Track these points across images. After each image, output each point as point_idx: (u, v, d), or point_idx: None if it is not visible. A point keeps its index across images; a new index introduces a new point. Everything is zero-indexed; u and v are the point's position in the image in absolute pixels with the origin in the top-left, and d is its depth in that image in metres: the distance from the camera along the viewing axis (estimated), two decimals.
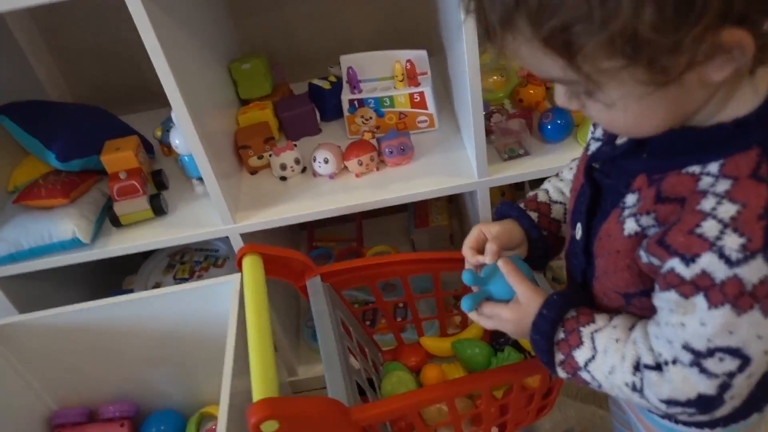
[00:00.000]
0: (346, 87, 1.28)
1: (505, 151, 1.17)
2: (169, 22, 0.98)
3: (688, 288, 0.51)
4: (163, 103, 1.00)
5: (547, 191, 0.81)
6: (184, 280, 1.44)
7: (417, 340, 1.12)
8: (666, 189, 0.54)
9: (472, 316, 0.73)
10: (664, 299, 0.54)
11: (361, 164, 1.18)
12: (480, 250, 0.76)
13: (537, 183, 0.88)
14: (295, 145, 1.23)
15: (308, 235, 1.72)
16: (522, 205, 0.80)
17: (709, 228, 0.49)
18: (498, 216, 0.82)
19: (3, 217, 1.20)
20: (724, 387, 0.54)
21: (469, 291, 0.75)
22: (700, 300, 0.51)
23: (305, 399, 0.75)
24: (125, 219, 1.18)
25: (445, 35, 1.21)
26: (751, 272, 0.48)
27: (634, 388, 0.59)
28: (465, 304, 0.72)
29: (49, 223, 1.14)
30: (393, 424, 0.98)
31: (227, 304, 1.05)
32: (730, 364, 0.52)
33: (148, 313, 1.12)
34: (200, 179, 1.23)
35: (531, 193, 0.82)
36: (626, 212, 0.58)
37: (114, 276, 1.54)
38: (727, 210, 0.49)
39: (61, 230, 1.14)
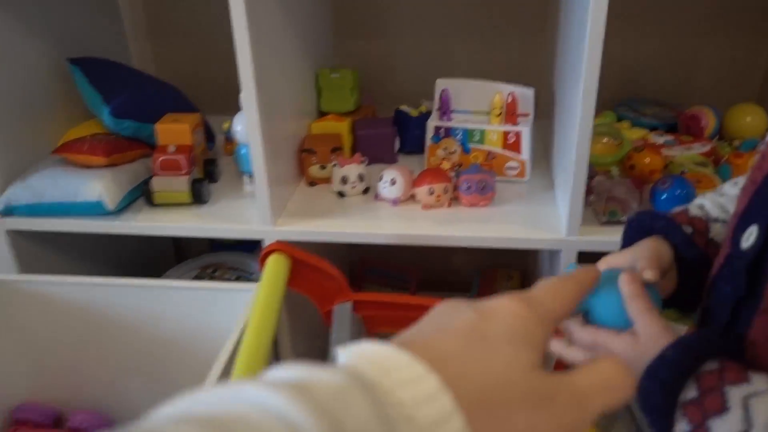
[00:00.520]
0: (435, 114, 1.14)
1: (605, 214, 0.97)
2: (265, 11, 0.90)
3: None
4: None
5: (702, 206, 0.61)
6: None
7: None
8: None
9: (555, 346, 0.52)
10: None
11: (431, 193, 1.01)
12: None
13: None
14: (364, 161, 1.08)
15: (359, 268, 1.53)
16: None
17: None
18: (629, 233, 0.62)
19: (39, 167, 1.10)
20: None
21: None
22: None
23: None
24: (160, 197, 1.05)
25: (559, 78, 1.06)
26: None
27: None
28: None
29: (78, 180, 1.03)
30: None
31: (236, 314, 0.88)
32: None
33: (145, 305, 0.97)
34: (253, 176, 1.10)
35: (677, 209, 0.62)
36: None
37: (140, 276, 1.41)
38: None
39: (88, 189, 1.02)
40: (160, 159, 1.05)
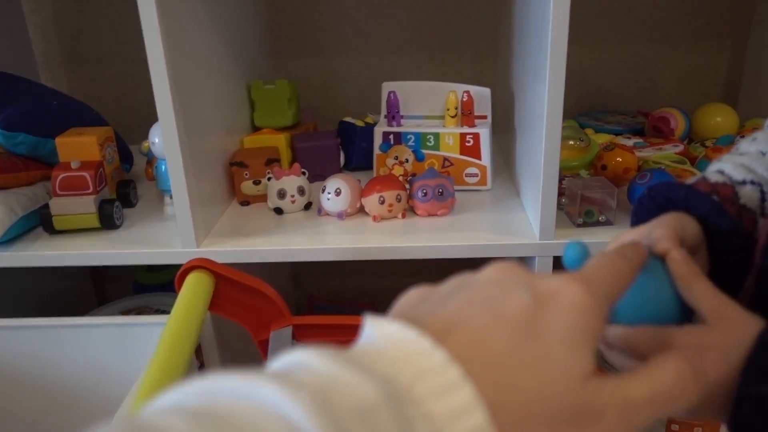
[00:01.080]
0: (382, 120, 1.02)
1: (580, 215, 0.85)
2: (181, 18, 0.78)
3: None
4: None
5: (721, 171, 0.48)
6: None
7: None
8: None
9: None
10: None
11: (382, 203, 0.87)
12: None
13: None
14: (304, 173, 0.95)
15: (307, 306, 1.36)
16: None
17: None
18: (641, 214, 0.49)
19: None
20: None
21: None
22: None
23: None
24: (61, 222, 0.88)
25: (518, 86, 0.96)
26: None
27: None
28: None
29: None
30: None
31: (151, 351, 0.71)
32: None
33: (43, 348, 0.79)
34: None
35: (693, 178, 0.49)
36: None
37: None
38: None
39: None
40: (60, 177, 0.88)
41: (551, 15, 0.71)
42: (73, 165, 0.90)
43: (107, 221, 0.90)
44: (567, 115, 1.20)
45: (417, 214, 0.90)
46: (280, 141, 1.03)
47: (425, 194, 0.88)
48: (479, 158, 0.96)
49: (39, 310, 1.17)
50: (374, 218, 0.89)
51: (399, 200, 0.89)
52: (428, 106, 1.00)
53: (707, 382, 0.28)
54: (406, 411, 0.21)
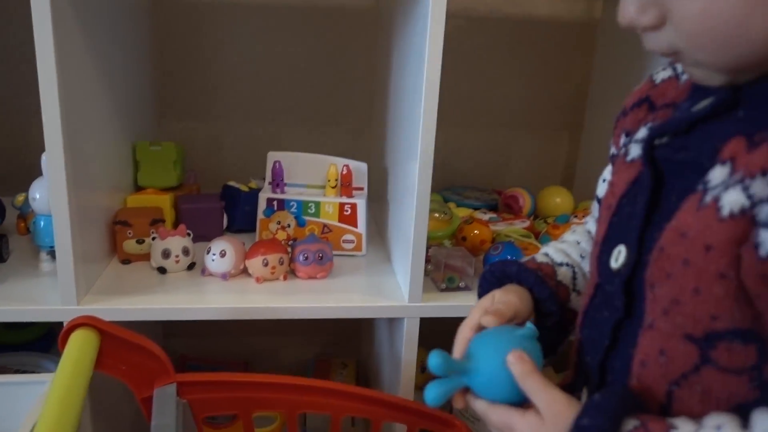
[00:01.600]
0: (267, 186, 1.09)
1: (443, 281, 0.96)
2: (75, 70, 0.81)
3: None
4: None
5: (546, 254, 0.62)
6: None
7: None
8: None
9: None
10: None
11: (266, 265, 0.93)
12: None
13: None
14: (189, 234, 0.98)
15: (179, 365, 1.35)
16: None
17: None
18: (485, 285, 0.62)
19: None
20: None
21: None
22: None
23: None
24: None
25: (391, 161, 1.07)
26: None
27: None
28: (431, 393, 0.49)
29: None
30: None
31: (22, 415, 0.70)
32: None
33: None
34: (51, 253, 0.95)
35: (525, 259, 0.62)
36: (717, 189, 0.40)
37: None
38: None
39: None
40: None
41: (423, 103, 0.82)
42: None
43: None
44: (432, 189, 1.33)
45: (298, 277, 0.97)
46: (164, 201, 1.06)
47: (306, 258, 0.96)
48: (356, 226, 1.06)
49: None
50: (257, 279, 0.95)
51: (282, 263, 0.95)
52: (310, 175, 1.09)
53: None
54: None
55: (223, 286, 0.93)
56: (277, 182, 1.07)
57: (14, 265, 0.97)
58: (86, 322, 0.73)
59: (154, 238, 0.97)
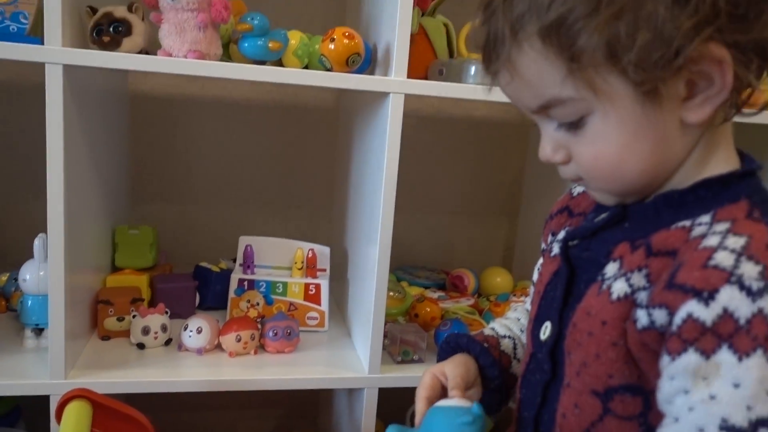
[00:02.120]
0: (238, 268, 1.20)
1: (399, 354, 1.08)
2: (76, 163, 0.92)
3: (708, 341, 0.44)
4: None
5: (492, 328, 0.76)
6: None
7: None
8: (657, 243, 0.52)
9: None
10: (679, 372, 0.46)
11: (239, 341, 1.03)
12: (436, 400, 0.65)
13: None
14: (167, 312, 1.07)
15: None
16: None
17: (723, 258, 0.45)
18: (442, 354, 0.73)
19: None
20: None
21: None
22: (724, 355, 0.43)
23: None
24: None
25: (351, 244, 1.20)
26: None
27: None
28: None
29: None
30: None
31: None
32: None
33: None
34: (36, 329, 1.02)
35: (474, 333, 0.75)
36: (610, 280, 0.53)
37: None
38: (736, 241, 0.46)
39: None
40: None
41: (383, 193, 0.95)
42: None
43: None
44: None
45: (267, 351, 1.07)
46: (141, 281, 1.15)
47: (276, 334, 1.06)
48: (319, 304, 1.17)
49: None
50: (230, 354, 1.04)
51: (253, 339, 1.05)
52: (277, 258, 1.21)
53: None
54: None
55: (198, 360, 1.02)
56: (248, 264, 1.18)
57: None
58: (80, 394, 0.81)
59: (134, 316, 1.05)
